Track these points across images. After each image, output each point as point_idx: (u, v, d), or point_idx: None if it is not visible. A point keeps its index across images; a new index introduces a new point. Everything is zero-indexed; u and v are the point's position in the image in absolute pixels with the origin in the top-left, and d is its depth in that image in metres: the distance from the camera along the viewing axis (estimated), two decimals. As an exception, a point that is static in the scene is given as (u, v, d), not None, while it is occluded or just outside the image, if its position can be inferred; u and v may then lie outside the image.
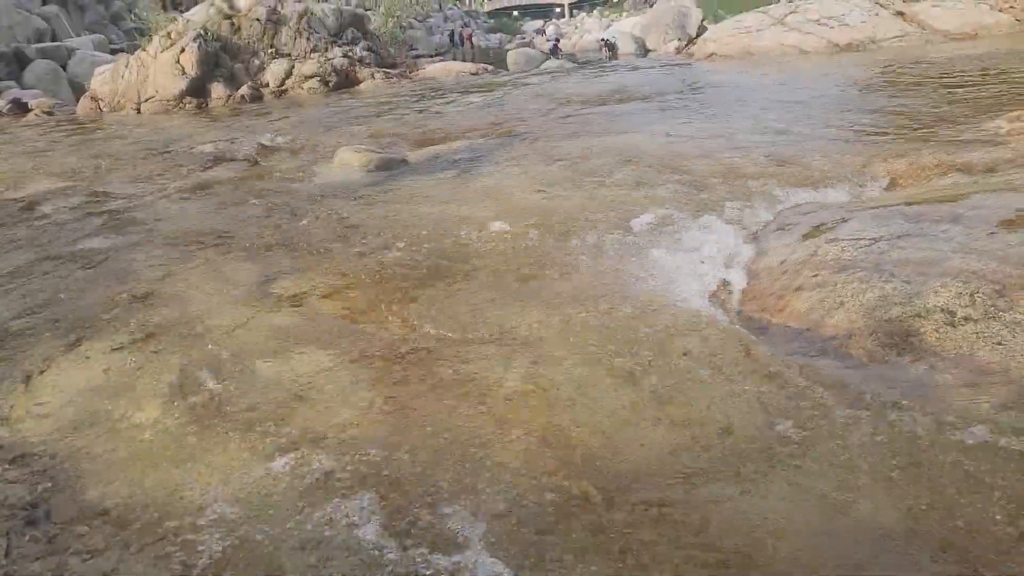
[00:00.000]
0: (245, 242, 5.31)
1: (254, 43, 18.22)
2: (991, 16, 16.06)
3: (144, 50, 17.65)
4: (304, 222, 5.75)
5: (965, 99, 8.42)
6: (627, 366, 3.08)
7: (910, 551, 1.98)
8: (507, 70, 21.68)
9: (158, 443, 2.81)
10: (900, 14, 16.92)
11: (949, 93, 9.00)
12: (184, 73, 16.72)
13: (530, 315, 3.66)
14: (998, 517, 2.04)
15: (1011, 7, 16.01)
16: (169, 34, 17.28)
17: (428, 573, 2.05)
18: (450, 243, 4.88)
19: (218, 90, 16.99)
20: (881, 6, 17.27)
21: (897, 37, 16.43)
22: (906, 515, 2.10)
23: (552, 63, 22.20)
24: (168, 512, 2.40)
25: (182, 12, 19.42)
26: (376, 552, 2.15)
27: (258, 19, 18.28)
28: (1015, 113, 6.46)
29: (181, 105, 16.48)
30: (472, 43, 35.39)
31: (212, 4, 18.17)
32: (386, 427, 2.79)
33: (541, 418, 2.76)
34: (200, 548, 2.22)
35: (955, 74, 10.63)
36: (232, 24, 18.13)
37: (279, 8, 18.69)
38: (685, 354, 3.15)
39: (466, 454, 2.57)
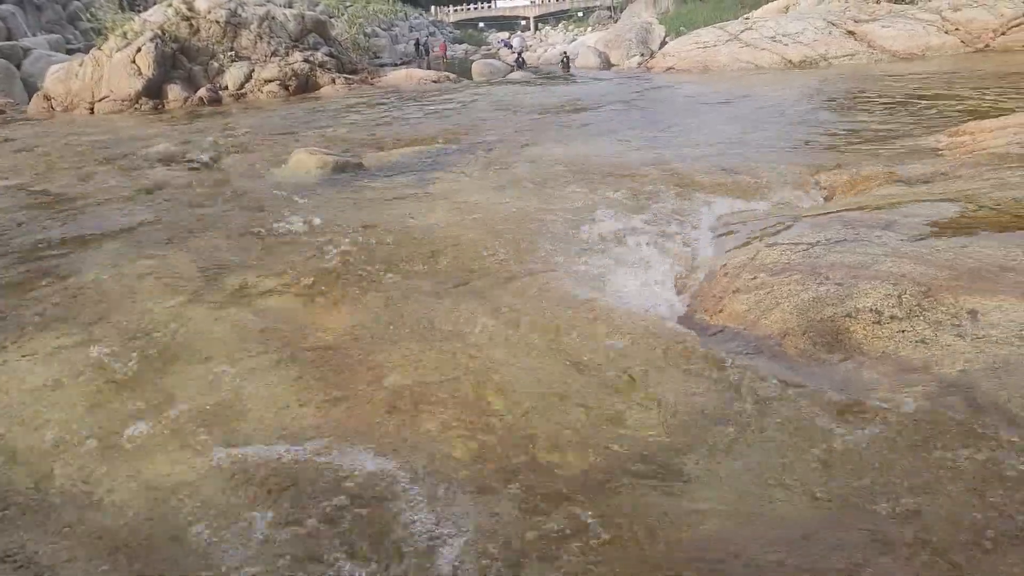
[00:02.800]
0: (194, 241, 5.26)
1: (213, 45, 18.04)
2: (938, 38, 16.60)
3: (99, 49, 17.36)
4: (255, 222, 5.71)
5: (909, 115, 8.69)
6: (564, 360, 3.13)
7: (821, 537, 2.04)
8: (471, 80, 21.77)
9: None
10: (851, 33, 17.39)
11: (894, 109, 9.29)
12: (140, 74, 16.48)
13: (476, 316, 3.69)
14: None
15: (956, 29, 16.57)
16: (125, 34, 17.02)
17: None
18: (400, 246, 4.90)
19: (175, 92, 16.78)
20: (834, 25, 17.73)
21: (848, 55, 16.88)
22: (816, 501, 2.17)
23: (516, 74, 22.37)
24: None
25: (140, 12, 19.14)
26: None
27: (218, 21, 18.11)
28: (954, 128, 6.69)
29: (136, 106, 16.23)
30: (445, 54, 35.38)
31: (170, 5, 17.95)
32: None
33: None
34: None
35: (901, 92, 10.96)
36: (191, 26, 17.93)
37: (240, 11, 18.53)
38: (623, 350, 3.20)
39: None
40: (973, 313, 2.97)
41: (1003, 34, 16.18)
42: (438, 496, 2.32)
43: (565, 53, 26.69)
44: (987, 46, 16.11)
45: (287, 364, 3.27)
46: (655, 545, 2.07)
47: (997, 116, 6.78)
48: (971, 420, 2.41)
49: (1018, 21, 16.19)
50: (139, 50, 16.59)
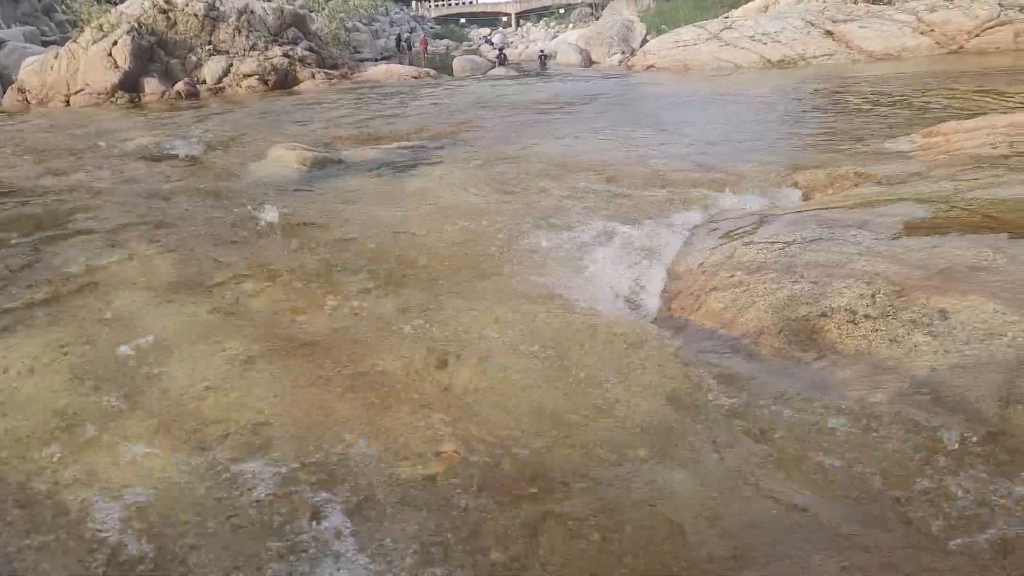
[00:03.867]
0: (172, 236, 5.21)
1: (191, 39, 17.87)
2: (913, 39, 16.79)
3: (75, 42, 17.14)
4: (232, 217, 5.67)
5: (884, 115, 8.80)
6: (542, 356, 3.15)
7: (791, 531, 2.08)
8: (452, 76, 21.73)
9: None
10: (829, 33, 17.55)
11: (870, 109, 9.39)
12: (116, 67, 16.29)
13: (451, 312, 3.70)
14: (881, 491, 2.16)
15: (931, 31, 16.77)
16: (101, 26, 16.82)
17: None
18: (377, 242, 4.89)
19: (152, 85, 16.61)
20: (812, 25, 17.88)
21: (826, 55, 17.04)
22: (791, 498, 2.20)
23: (498, 71, 22.36)
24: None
25: (116, 4, 18.92)
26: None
27: (196, 15, 17.94)
28: (928, 129, 6.78)
29: (112, 99, 16.04)
30: (426, 49, 35.31)
31: (147, -3, 17.80)
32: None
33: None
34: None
35: (877, 92, 11.08)
36: (168, 19, 17.76)
37: (218, 4, 18.37)
38: (597, 347, 3.22)
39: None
40: (944, 313, 3.01)
41: (977, 36, 16.41)
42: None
43: (542, 51, 26.85)
44: (961, 48, 16.32)
45: (263, 360, 3.25)
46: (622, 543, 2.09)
47: (970, 117, 6.87)
48: (939, 419, 2.45)
49: (992, 23, 16.42)
50: (115, 43, 16.40)
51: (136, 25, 16.94)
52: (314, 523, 2.19)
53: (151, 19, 17.47)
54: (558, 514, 2.20)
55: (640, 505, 2.23)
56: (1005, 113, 6.98)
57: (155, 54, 17.24)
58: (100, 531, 2.19)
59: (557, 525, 2.15)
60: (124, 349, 3.33)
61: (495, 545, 2.09)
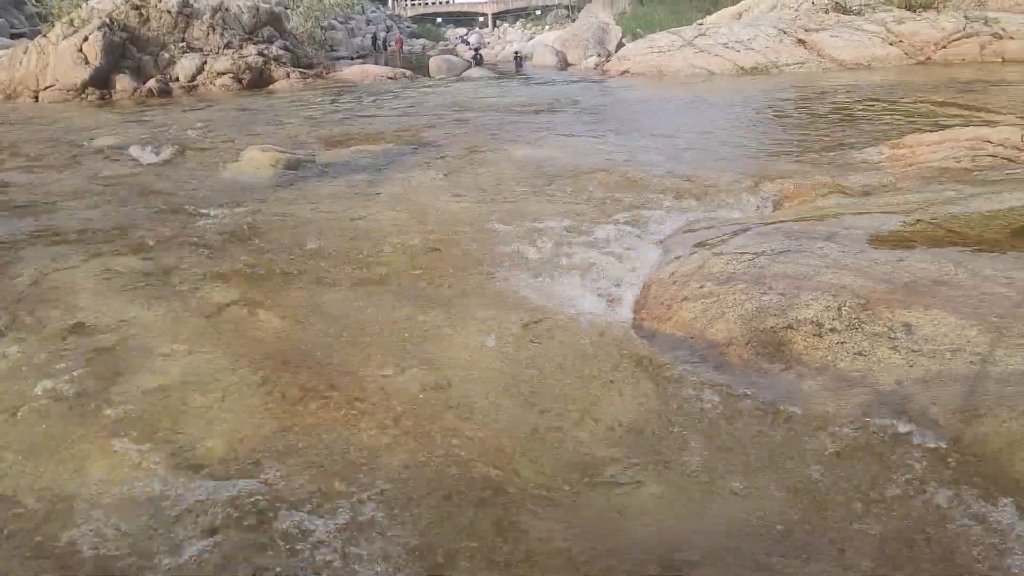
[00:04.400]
0: (141, 238, 5.17)
1: (164, 35, 17.67)
2: (883, 49, 17.08)
3: (45, 36, 16.88)
4: (205, 219, 5.64)
5: (854, 125, 8.95)
6: (513, 364, 3.18)
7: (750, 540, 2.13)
8: (428, 76, 21.70)
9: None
10: (802, 42, 17.78)
11: (840, 119, 9.55)
12: (87, 63, 16.07)
13: (420, 318, 3.72)
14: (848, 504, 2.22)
15: (900, 42, 17.08)
16: (72, 21, 16.57)
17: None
18: (351, 245, 4.89)
19: (124, 82, 16.40)
20: (785, 33, 18.11)
21: (798, 63, 17.26)
22: (760, 506, 2.25)
23: (474, 71, 22.36)
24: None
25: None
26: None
27: (169, 11, 17.75)
28: (895, 141, 6.92)
29: (83, 96, 15.82)
30: (402, 49, 35.23)
31: (120, -8, 17.57)
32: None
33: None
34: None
35: (847, 101, 11.27)
36: (141, 15, 17.55)
37: (192, 1, 18.18)
38: (567, 355, 3.27)
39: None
40: (908, 326, 3.09)
41: (944, 48, 16.73)
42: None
43: (517, 52, 27.00)
44: (929, 59, 16.63)
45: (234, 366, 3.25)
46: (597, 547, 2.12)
47: (936, 130, 7.03)
48: (902, 432, 2.52)
49: (958, 36, 16.75)
50: (86, 38, 16.17)
51: (108, 21, 16.71)
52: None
53: (123, 15, 17.25)
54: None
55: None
56: (968, 127, 7.14)
57: (127, 50, 17.02)
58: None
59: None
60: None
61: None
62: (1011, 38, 16.26)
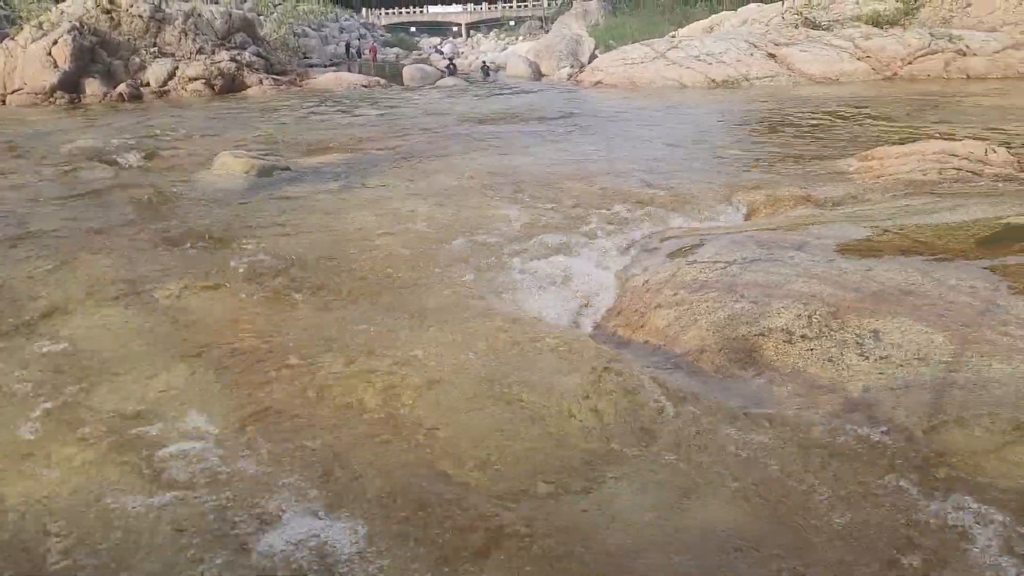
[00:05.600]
0: (106, 244, 5.11)
1: (135, 40, 17.50)
2: (851, 64, 17.40)
3: (13, 39, 16.62)
4: (173, 226, 5.58)
5: (823, 138, 9.11)
6: (484, 372, 3.19)
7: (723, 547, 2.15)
8: (402, 84, 21.70)
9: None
10: (772, 56, 18.06)
11: (810, 132, 9.71)
12: (56, 66, 15.86)
13: (389, 326, 3.71)
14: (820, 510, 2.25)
15: (868, 57, 17.42)
16: (41, 24, 16.34)
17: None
18: (325, 252, 4.87)
19: (93, 86, 16.20)
20: (755, 47, 18.38)
21: (768, 77, 17.52)
22: (732, 510, 2.28)
23: (448, 80, 22.40)
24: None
25: (58, 2, 18.42)
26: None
27: (140, 16, 17.59)
28: (864, 153, 7.05)
29: (51, 100, 15.60)
30: (375, 57, 35.16)
31: (91, -4, 17.37)
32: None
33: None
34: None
35: (816, 114, 11.46)
36: (112, 19, 17.36)
37: (164, 6, 18.02)
38: (539, 362, 3.28)
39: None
40: (876, 334, 3.15)
41: (910, 64, 17.09)
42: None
43: (484, 62, 27.31)
44: (896, 74, 16.98)
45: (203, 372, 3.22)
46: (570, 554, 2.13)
47: (903, 143, 7.17)
48: (870, 436, 2.56)
49: (923, 52, 17.12)
50: (56, 42, 15.98)
51: (78, 24, 16.51)
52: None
53: (94, 19, 17.06)
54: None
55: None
56: (934, 140, 7.31)
57: (97, 55, 16.82)
58: None
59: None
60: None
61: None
62: (974, 55, 16.66)
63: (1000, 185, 5.67)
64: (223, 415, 2.89)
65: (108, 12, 17.38)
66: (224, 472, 2.51)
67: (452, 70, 26.44)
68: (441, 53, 39.23)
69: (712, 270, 4.06)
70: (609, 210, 5.76)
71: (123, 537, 2.20)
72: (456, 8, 63.43)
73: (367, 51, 36.42)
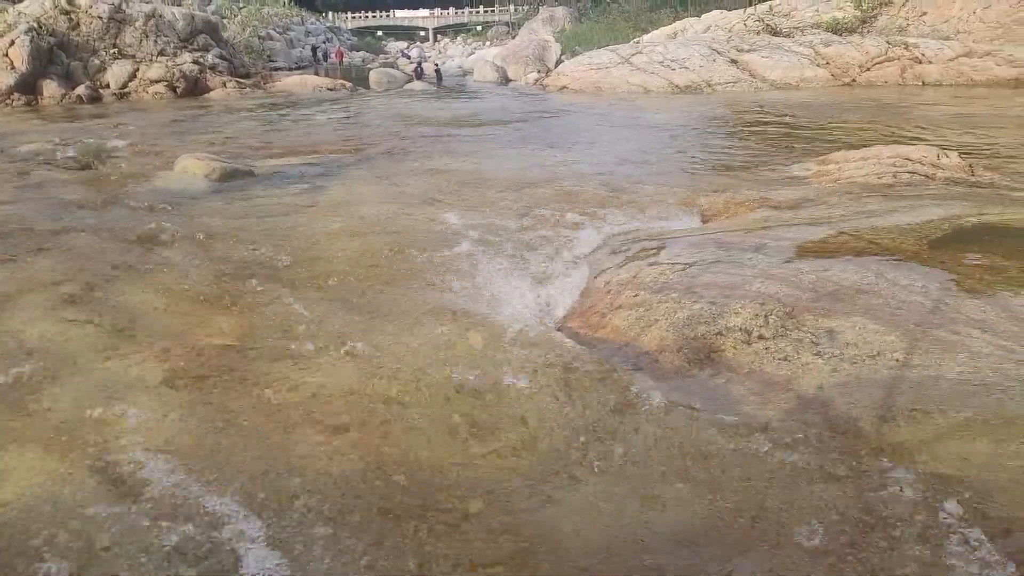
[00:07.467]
0: (68, 251, 5.01)
1: (95, 41, 17.20)
2: (812, 70, 17.73)
3: (-33, 40, 16.24)
4: (134, 230, 5.49)
5: (783, 142, 9.26)
6: (447, 370, 3.19)
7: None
8: (368, 88, 21.60)
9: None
10: (734, 62, 18.32)
11: (769, 137, 9.87)
12: (13, 68, 15.55)
13: (352, 327, 3.70)
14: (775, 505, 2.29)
15: (827, 63, 17.76)
16: (-4, 25, 16.02)
17: None
18: (287, 259, 4.84)
19: (51, 88, 15.89)
20: (718, 53, 18.63)
21: (731, 83, 17.77)
22: (686, 504, 2.31)
23: (415, 85, 22.37)
24: None
25: (14, 3, 18.04)
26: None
27: (100, 16, 17.29)
28: (821, 157, 7.18)
29: (8, 101, 15.29)
30: (342, 60, 34.93)
31: (48, -3, 17.03)
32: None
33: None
34: None
35: (776, 120, 11.65)
36: (70, 19, 17.05)
37: (124, 7, 17.74)
38: (500, 362, 3.30)
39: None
40: (831, 333, 3.21)
41: (867, 70, 17.45)
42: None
43: (436, 66, 27.85)
44: (854, 80, 17.33)
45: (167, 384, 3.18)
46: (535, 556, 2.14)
47: (860, 147, 7.31)
48: (824, 432, 2.61)
49: (880, 59, 17.50)
50: (12, 43, 15.65)
51: (36, 25, 16.18)
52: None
53: (52, 19, 16.74)
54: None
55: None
56: (890, 144, 7.47)
57: (55, 56, 16.51)
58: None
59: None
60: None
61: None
62: (929, 62, 17.06)
63: (951, 188, 5.81)
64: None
65: (67, 13, 17.05)
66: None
67: (419, 74, 26.41)
68: (408, 57, 39.15)
69: (672, 271, 4.11)
70: (571, 213, 5.79)
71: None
72: (423, 12, 63.32)
73: (333, 55, 36.17)
